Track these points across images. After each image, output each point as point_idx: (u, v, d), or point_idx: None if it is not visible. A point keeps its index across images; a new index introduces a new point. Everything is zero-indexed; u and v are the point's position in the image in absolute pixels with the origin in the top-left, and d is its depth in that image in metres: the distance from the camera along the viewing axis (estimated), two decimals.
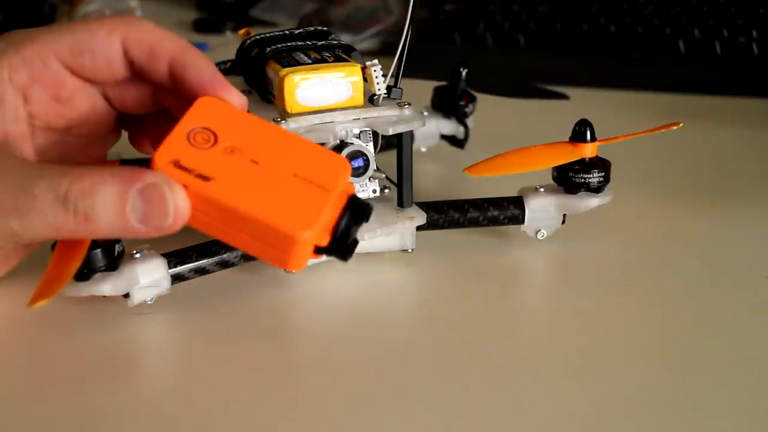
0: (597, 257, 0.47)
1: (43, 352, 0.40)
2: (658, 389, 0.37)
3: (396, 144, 0.45)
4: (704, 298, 0.43)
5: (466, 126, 0.58)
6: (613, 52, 0.77)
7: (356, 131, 0.44)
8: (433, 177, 0.58)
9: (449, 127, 0.58)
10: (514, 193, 0.47)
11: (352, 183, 0.38)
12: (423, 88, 0.58)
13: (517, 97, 0.64)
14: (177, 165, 0.34)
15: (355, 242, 0.36)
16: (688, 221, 0.51)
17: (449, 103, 0.58)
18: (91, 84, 0.39)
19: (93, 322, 0.42)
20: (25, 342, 0.41)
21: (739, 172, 0.58)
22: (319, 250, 0.35)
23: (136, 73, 0.39)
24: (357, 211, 0.35)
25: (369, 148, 0.44)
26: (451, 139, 0.59)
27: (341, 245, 0.35)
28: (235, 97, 0.38)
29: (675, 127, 0.46)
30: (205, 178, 0.34)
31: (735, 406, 0.36)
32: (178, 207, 0.34)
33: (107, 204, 0.33)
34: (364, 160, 0.44)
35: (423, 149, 0.60)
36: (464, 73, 0.57)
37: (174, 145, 0.35)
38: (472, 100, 0.58)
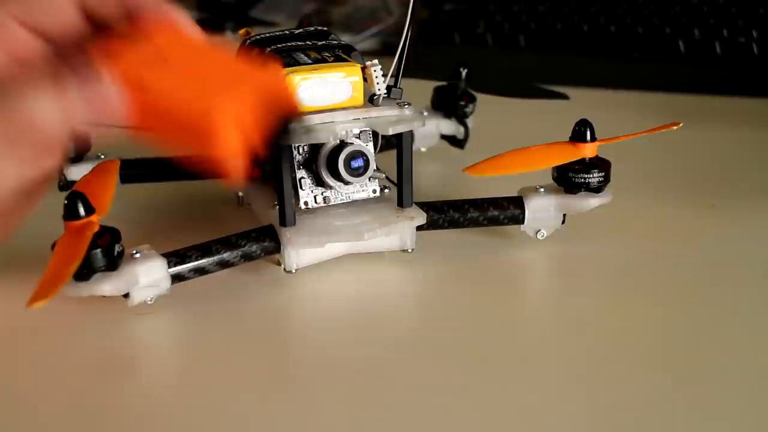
0: (597, 257, 0.47)
1: (43, 352, 0.40)
2: (658, 389, 0.37)
3: (396, 144, 0.45)
4: (704, 298, 0.43)
5: (466, 126, 0.58)
6: (613, 52, 0.77)
7: (356, 131, 0.44)
8: (433, 177, 0.58)
9: (449, 127, 0.58)
10: (514, 193, 0.47)
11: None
12: (423, 88, 0.58)
13: (518, 97, 0.64)
14: (114, 56, 0.35)
15: (287, 128, 0.36)
16: (688, 221, 0.51)
17: (449, 103, 0.58)
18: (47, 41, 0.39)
19: (93, 322, 0.42)
20: (25, 342, 0.41)
21: (739, 172, 0.58)
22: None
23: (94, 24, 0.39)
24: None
25: (369, 148, 0.44)
26: (451, 139, 0.59)
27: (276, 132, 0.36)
28: (182, 18, 0.38)
29: (675, 127, 0.46)
30: (139, 68, 0.35)
31: (735, 406, 0.36)
32: (114, 94, 0.35)
33: (46, 95, 0.34)
34: (364, 160, 0.44)
35: (423, 149, 0.60)
36: (464, 73, 0.57)
37: (115, 45, 0.36)
38: (472, 100, 0.58)
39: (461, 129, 0.58)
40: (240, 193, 0.52)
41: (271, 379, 0.38)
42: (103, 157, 0.53)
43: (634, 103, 0.71)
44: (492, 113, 0.61)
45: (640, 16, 0.79)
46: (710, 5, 0.79)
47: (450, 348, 0.40)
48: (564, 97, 0.61)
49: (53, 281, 0.35)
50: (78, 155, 0.52)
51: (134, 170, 0.53)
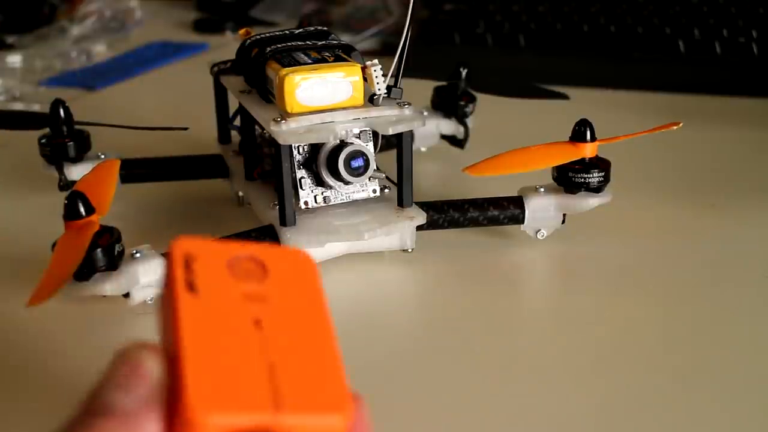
0: (597, 257, 0.47)
1: (44, 351, 0.40)
2: (658, 388, 0.36)
3: (396, 144, 0.45)
4: (704, 298, 0.43)
5: (466, 126, 0.58)
6: (613, 52, 0.77)
7: (356, 131, 0.44)
8: (433, 177, 0.58)
9: (449, 127, 0.58)
10: (514, 193, 0.47)
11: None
12: (423, 88, 0.58)
13: (518, 97, 0.64)
14: (187, 261, 0.26)
15: None
16: (688, 221, 0.51)
17: (449, 103, 0.58)
18: None
19: (92, 322, 0.42)
20: (26, 342, 0.41)
21: (739, 172, 0.58)
22: None
23: None
24: None
25: (369, 148, 0.44)
26: (451, 139, 0.59)
27: None
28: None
29: (675, 127, 0.46)
30: (193, 291, 0.26)
31: (735, 405, 0.36)
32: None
33: None
34: (364, 159, 0.44)
35: (423, 149, 0.60)
36: (464, 72, 0.58)
37: (206, 250, 0.27)
38: (472, 100, 0.58)
39: (461, 129, 0.58)
40: (240, 193, 0.52)
41: None
42: (103, 156, 0.53)
43: (634, 103, 0.71)
44: (492, 113, 0.61)
45: (640, 16, 0.79)
46: (710, 5, 0.79)
47: (450, 348, 0.40)
48: (564, 97, 0.61)
49: (53, 281, 0.35)
50: (78, 155, 0.52)
51: (134, 170, 0.53)
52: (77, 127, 0.53)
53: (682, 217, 0.51)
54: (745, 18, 0.76)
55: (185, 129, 0.53)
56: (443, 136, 0.59)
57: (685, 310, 0.42)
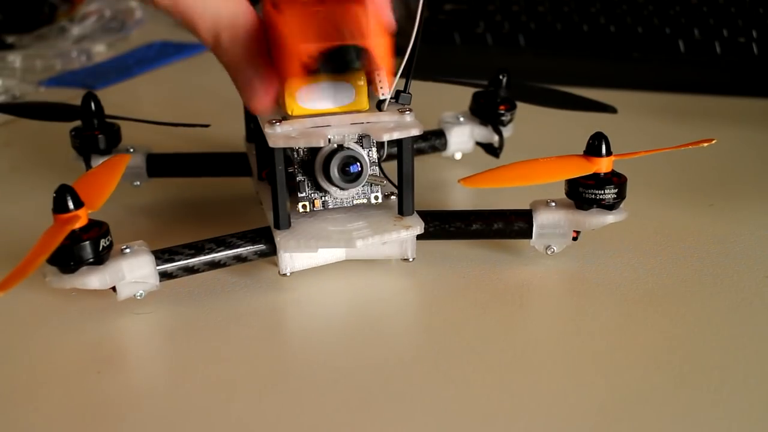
0: (596, 255, 0.47)
1: (39, 349, 0.40)
2: (658, 388, 0.37)
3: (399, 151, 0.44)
4: (704, 298, 0.43)
5: (500, 134, 0.56)
6: (613, 52, 0.77)
7: (354, 136, 0.43)
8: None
9: (484, 134, 0.57)
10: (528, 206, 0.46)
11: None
12: (425, 89, 0.58)
13: (562, 108, 0.61)
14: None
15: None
16: (687, 221, 0.51)
17: (487, 110, 0.57)
18: None
19: (89, 321, 0.42)
20: (21, 339, 0.41)
21: (739, 172, 0.58)
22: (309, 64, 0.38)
23: None
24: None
25: (370, 154, 0.44)
26: (487, 147, 0.58)
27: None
28: None
29: (706, 144, 0.44)
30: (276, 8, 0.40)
31: (735, 405, 0.36)
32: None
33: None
34: (359, 165, 0.43)
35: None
36: (504, 79, 0.56)
37: None
38: (512, 108, 0.56)
39: (497, 137, 0.57)
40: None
41: (267, 384, 0.38)
42: (132, 150, 0.54)
43: (634, 103, 0.71)
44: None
45: (640, 16, 0.79)
46: (710, 5, 0.79)
47: (451, 357, 0.40)
48: (612, 110, 0.58)
49: (19, 272, 0.35)
50: (108, 147, 0.53)
51: (161, 164, 0.54)
52: (108, 120, 0.53)
53: (681, 217, 0.51)
54: (745, 18, 0.76)
55: (207, 126, 0.54)
56: (479, 143, 0.58)
57: (685, 309, 0.42)
